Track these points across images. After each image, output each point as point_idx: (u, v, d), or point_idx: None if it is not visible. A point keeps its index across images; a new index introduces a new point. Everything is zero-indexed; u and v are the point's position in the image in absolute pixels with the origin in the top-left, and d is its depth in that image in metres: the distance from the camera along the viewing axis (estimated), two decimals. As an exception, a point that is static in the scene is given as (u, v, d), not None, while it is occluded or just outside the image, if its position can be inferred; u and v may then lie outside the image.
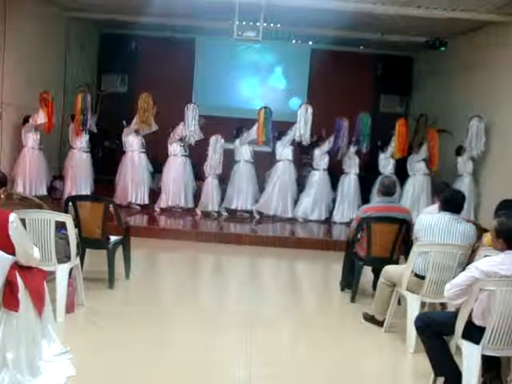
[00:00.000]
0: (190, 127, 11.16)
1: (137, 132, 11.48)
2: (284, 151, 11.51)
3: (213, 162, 11.07)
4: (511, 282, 4.03)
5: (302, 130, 11.25)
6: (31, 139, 11.12)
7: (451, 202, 5.38)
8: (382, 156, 11.69)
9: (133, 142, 11.50)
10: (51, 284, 5.09)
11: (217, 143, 11.07)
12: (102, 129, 12.37)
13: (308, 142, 11.49)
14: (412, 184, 11.59)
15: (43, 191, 11.34)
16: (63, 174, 11.86)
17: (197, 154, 11.66)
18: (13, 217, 3.95)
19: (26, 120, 11.07)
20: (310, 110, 11.33)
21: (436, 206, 5.87)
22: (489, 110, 10.87)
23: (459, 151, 11.24)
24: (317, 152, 11.63)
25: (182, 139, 11.34)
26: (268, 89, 15.74)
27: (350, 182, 11.65)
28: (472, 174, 11.14)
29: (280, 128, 11.82)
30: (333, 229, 11.23)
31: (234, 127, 11.82)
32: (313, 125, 11.31)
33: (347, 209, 11.54)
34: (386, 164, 11.60)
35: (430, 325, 4.39)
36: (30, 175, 11.14)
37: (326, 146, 11.51)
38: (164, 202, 11.33)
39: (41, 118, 10.93)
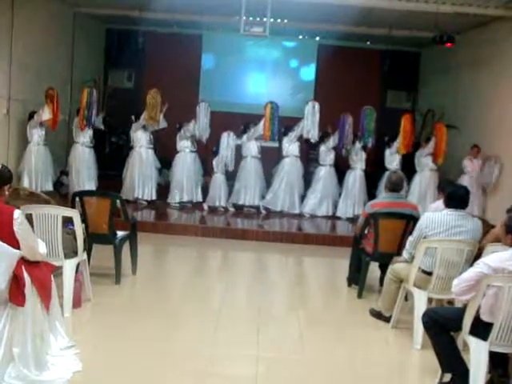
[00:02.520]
0: (202, 125, 11.20)
1: (144, 128, 11.51)
2: (291, 147, 11.51)
3: (224, 158, 11.10)
4: (519, 278, 4.01)
5: (309, 126, 11.25)
6: (36, 135, 11.09)
7: (455, 198, 5.37)
8: (387, 152, 11.65)
9: (141, 138, 11.53)
10: (58, 279, 5.11)
11: (229, 139, 11.11)
12: (109, 124, 12.38)
13: (316, 138, 11.49)
14: (419, 180, 11.54)
15: (49, 187, 11.30)
16: (68, 169, 11.89)
17: (202, 149, 11.68)
18: (17, 213, 3.96)
19: (31, 116, 11.07)
20: (317, 106, 11.33)
21: (441, 202, 5.86)
22: (497, 106, 10.82)
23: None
24: (322, 148, 11.62)
25: (192, 136, 11.40)
26: (275, 84, 15.69)
27: (355, 177, 11.61)
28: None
29: (287, 123, 11.82)
30: (340, 224, 11.20)
31: (241, 123, 11.84)
32: (320, 120, 11.31)
33: (351, 204, 11.52)
34: (392, 160, 11.55)
35: (438, 321, 4.37)
36: (36, 171, 11.11)
37: (331, 142, 11.50)
38: (177, 197, 11.38)
39: (46, 114, 10.92)
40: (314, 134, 11.34)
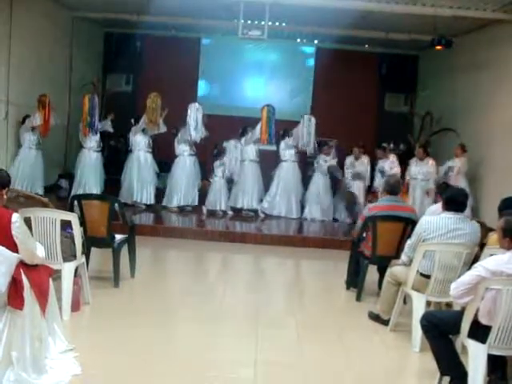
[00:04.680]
0: (192, 126, 11.17)
1: (144, 131, 11.50)
2: (288, 152, 11.54)
3: (230, 166, 11.18)
4: (517, 281, 4.01)
5: (304, 140, 11.26)
6: (27, 139, 11.10)
7: (454, 201, 5.37)
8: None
9: (140, 142, 11.52)
10: (57, 282, 5.10)
11: (236, 149, 11.17)
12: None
13: (312, 152, 11.54)
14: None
15: (40, 191, 11.06)
16: (70, 172, 11.85)
17: (201, 153, 11.67)
18: (15, 217, 3.95)
19: (24, 120, 11.06)
20: (313, 120, 11.34)
21: (439, 206, 5.87)
22: (495, 109, 10.83)
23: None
24: (321, 157, 11.62)
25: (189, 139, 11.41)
26: (273, 88, 15.68)
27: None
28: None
29: (285, 127, 11.82)
30: (338, 227, 11.22)
31: (238, 126, 11.84)
32: (318, 125, 11.32)
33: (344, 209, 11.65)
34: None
35: (436, 324, 4.37)
36: (25, 174, 11.05)
37: (331, 157, 11.58)
38: (175, 201, 11.36)
39: (36, 120, 10.92)
40: (310, 149, 11.40)
